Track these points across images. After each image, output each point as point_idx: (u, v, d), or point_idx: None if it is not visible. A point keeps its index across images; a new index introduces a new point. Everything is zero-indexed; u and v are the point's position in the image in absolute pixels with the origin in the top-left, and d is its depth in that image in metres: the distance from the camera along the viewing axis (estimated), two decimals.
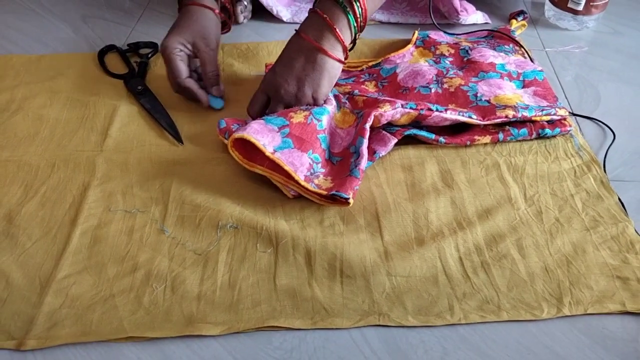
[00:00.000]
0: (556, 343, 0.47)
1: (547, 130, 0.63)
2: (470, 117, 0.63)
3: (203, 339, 0.47)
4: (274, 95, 0.63)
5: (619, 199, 0.58)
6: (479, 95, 0.66)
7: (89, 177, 0.61)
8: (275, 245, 0.54)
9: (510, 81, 0.69)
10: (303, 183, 0.56)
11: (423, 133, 0.63)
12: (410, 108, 0.61)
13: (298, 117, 0.60)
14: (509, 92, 0.67)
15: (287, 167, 0.56)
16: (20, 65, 0.79)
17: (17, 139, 0.66)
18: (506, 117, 0.62)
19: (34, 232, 0.56)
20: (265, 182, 0.60)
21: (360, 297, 0.50)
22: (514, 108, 0.63)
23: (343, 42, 0.61)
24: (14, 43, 0.86)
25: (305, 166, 0.57)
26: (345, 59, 0.63)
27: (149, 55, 0.80)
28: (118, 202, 0.58)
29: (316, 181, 0.57)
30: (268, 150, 0.56)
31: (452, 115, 0.62)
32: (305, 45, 0.61)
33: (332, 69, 0.62)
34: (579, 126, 0.68)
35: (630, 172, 0.62)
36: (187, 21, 0.69)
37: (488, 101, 0.65)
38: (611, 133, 0.66)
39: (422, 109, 0.61)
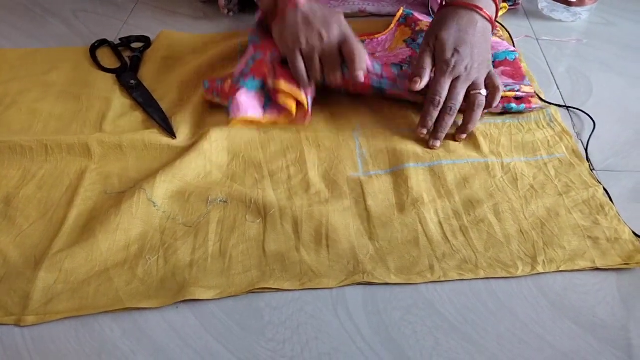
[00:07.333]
0: (548, 332, 0.47)
1: (513, 105, 0.66)
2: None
3: (199, 335, 0.47)
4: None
5: (589, 167, 0.60)
6: None
7: (87, 161, 0.62)
8: (264, 216, 0.56)
9: None
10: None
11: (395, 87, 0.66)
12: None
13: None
14: None
15: (281, 118, 0.64)
16: (16, 59, 0.79)
17: (11, 133, 0.66)
18: None
19: (32, 214, 0.57)
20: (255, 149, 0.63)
21: (345, 259, 0.52)
22: None
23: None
24: (6, 38, 0.86)
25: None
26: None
27: (141, 50, 0.80)
28: (114, 185, 0.60)
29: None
30: (260, 118, 0.63)
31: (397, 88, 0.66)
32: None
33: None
34: (571, 116, 0.68)
35: (622, 163, 0.62)
36: None
37: None
38: (591, 122, 0.67)
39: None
